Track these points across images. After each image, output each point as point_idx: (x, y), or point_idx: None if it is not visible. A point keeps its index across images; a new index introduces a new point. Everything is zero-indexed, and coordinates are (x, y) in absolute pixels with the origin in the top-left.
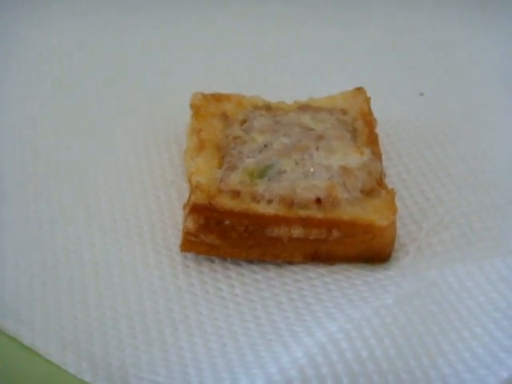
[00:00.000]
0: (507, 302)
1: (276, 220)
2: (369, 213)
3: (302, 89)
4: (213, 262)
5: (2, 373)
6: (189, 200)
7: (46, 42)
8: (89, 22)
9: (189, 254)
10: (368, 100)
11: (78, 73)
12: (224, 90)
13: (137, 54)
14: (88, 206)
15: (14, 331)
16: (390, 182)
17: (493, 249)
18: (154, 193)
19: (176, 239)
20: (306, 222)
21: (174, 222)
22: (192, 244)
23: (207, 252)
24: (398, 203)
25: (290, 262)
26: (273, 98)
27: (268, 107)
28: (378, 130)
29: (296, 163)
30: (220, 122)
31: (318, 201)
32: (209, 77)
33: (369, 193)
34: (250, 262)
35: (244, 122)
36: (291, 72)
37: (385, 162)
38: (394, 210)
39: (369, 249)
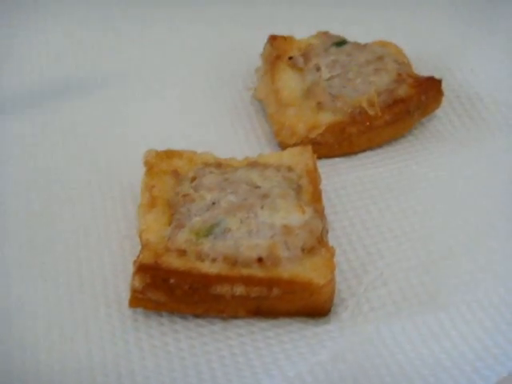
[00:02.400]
0: (435, 357)
1: (219, 279)
2: (308, 271)
3: (253, 144)
4: (161, 316)
5: None
6: (138, 257)
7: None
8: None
9: (138, 309)
10: (313, 157)
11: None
12: (179, 145)
13: (101, 107)
14: (44, 261)
15: None
16: (335, 236)
17: (426, 304)
18: (108, 246)
19: (127, 293)
20: (247, 281)
21: (125, 276)
22: (140, 301)
23: (155, 308)
24: (340, 258)
25: (235, 316)
26: (225, 155)
27: (218, 164)
28: (325, 185)
29: (241, 222)
30: (172, 178)
31: (260, 260)
32: (165, 131)
33: (309, 250)
34: (197, 315)
35: (194, 179)
36: (243, 128)
37: (331, 217)
38: (332, 268)
39: (308, 305)
